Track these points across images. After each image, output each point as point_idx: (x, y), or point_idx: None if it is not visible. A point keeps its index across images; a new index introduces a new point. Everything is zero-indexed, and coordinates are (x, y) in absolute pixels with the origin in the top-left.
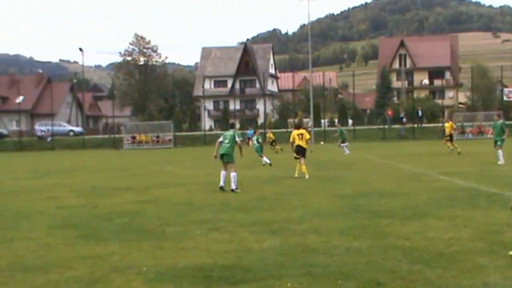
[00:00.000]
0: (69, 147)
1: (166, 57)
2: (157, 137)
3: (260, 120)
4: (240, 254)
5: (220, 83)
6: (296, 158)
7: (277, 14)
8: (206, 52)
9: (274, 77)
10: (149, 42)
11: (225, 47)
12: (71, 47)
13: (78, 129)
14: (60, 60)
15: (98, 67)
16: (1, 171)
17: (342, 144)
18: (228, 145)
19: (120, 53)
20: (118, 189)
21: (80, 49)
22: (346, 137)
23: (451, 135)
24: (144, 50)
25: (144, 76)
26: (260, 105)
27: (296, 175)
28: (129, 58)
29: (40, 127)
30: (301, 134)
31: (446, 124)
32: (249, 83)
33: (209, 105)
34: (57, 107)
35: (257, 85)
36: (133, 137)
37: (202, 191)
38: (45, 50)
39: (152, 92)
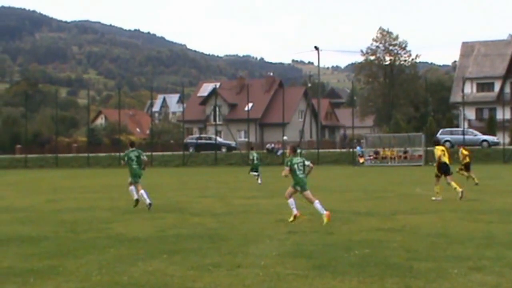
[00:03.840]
0: None
1: (417, 56)
2: (405, 152)
3: None
4: None
5: (484, 86)
6: (437, 176)
7: None
8: (467, 48)
9: None
10: (396, 38)
11: (492, 41)
12: (305, 46)
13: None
14: (293, 61)
15: (335, 68)
16: (228, 188)
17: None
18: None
19: (361, 51)
20: (357, 214)
21: (316, 47)
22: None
23: None
24: (391, 48)
25: (390, 79)
26: None
27: (439, 198)
28: (372, 58)
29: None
30: (444, 150)
31: None
32: None
33: (470, 113)
34: (289, 115)
35: None
36: (376, 152)
37: (460, 220)
38: (276, 50)
39: (399, 98)
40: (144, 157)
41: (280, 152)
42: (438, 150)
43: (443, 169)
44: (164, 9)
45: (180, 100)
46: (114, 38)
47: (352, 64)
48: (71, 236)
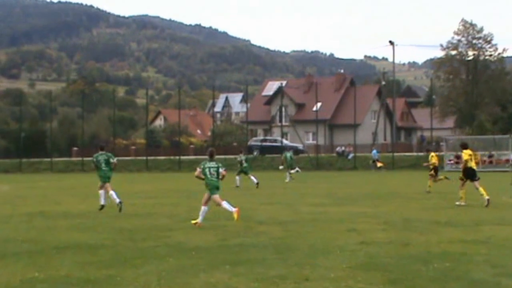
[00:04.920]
0: None
1: (504, 50)
2: (490, 156)
3: None
4: None
5: None
6: (462, 180)
7: None
8: None
9: None
10: (481, 31)
11: None
12: (378, 40)
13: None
14: (365, 56)
15: (412, 64)
16: (295, 195)
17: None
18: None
19: (441, 46)
20: (436, 223)
21: (391, 42)
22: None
23: None
24: (474, 41)
25: (473, 76)
26: None
27: (462, 203)
28: (453, 52)
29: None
30: (472, 155)
31: None
32: None
33: None
34: (361, 116)
35: None
36: (457, 156)
37: None
38: (347, 46)
39: (483, 97)
40: (113, 160)
41: (351, 155)
42: (466, 154)
43: (469, 174)
44: (227, 2)
45: (244, 100)
46: (174, 34)
47: (431, 59)
48: (129, 244)
